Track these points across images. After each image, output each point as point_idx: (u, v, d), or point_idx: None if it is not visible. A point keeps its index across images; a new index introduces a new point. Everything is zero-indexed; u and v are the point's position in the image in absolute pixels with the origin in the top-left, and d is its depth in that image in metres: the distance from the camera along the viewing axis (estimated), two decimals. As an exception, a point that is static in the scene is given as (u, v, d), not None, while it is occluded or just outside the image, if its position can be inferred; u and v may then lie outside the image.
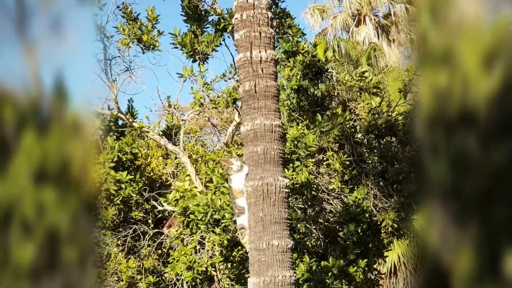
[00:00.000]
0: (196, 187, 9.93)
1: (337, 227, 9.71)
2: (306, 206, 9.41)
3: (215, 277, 10.03)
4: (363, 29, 27.94)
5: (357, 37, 27.04)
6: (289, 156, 9.20)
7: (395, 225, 9.71)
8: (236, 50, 5.68)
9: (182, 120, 10.33)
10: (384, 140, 10.24)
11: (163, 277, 10.09)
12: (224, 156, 9.39)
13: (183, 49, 9.98)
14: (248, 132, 5.50)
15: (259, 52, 5.48)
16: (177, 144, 10.34)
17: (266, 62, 5.48)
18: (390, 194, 9.82)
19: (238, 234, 5.90)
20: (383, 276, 13.49)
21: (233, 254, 9.07)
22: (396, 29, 28.78)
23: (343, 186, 9.59)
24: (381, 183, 9.87)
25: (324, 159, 9.78)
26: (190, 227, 9.38)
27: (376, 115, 10.37)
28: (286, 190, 5.50)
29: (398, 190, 9.79)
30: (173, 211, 9.65)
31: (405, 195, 9.66)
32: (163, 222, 10.40)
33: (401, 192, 9.72)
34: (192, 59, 10.04)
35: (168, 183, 10.73)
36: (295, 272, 5.93)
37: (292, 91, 9.49)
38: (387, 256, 10.54)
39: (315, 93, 10.04)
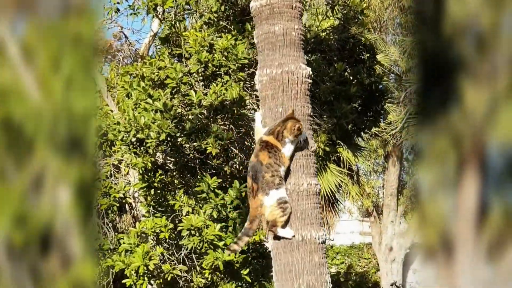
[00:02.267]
0: (107, 105, 8.76)
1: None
2: (233, 127, 8.45)
3: (128, 205, 8.99)
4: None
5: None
6: (217, 70, 8.19)
7: (327, 149, 8.97)
8: None
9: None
10: (313, 56, 9.37)
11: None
12: (142, 69, 8.28)
13: None
14: (262, 8, 4.48)
15: None
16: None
17: None
18: (321, 115, 9.03)
19: (277, 208, 4.32)
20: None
21: (156, 180, 8.00)
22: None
23: (274, 104, 8.64)
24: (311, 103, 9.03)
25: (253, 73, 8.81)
26: (104, 148, 8.26)
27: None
28: (309, 80, 4.55)
29: (330, 111, 9.01)
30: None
31: (337, 115, 8.91)
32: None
33: (333, 113, 8.95)
34: (102, -43, 8.75)
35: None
36: (319, 180, 5.00)
37: (220, -2, 8.39)
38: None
39: (241, 2, 9.00)
